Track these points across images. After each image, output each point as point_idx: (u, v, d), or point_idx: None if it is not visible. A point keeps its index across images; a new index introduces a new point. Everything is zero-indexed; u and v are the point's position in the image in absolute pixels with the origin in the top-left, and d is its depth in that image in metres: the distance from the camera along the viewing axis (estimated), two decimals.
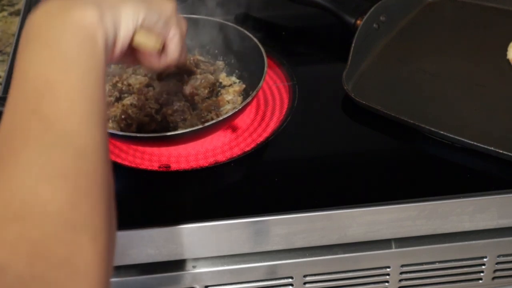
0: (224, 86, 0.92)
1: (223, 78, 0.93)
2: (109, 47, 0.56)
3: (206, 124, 0.79)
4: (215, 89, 0.91)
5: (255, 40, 0.90)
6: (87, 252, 0.44)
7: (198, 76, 0.91)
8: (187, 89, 0.88)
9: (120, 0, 0.58)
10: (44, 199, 0.44)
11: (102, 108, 0.51)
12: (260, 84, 0.83)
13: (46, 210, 0.43)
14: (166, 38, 0.65)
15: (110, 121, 0.85)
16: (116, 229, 0.50)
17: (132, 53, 0.64)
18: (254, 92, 0.82)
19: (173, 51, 0.66)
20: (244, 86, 0.91)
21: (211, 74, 0.92)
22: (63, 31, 0.52)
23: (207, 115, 0.86)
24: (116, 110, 0.86)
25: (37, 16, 0.54)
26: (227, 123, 0.84)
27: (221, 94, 0.91)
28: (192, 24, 0.97)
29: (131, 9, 0.59)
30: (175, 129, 0.83)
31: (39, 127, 0.47)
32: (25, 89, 0.49)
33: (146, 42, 0.63)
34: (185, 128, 0.82)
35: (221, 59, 0.96)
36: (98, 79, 0.51)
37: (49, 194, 0.44)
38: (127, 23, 0.58)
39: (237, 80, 0.93)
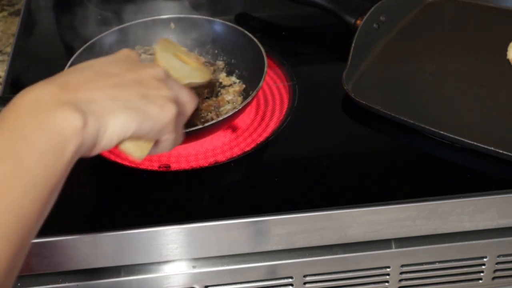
0: (224, 86, 0.92)
1: (223, 78, 0.93)
2: (83, 151, 0.52)
3: (206, 124, 0.79)
4: (215, 89, 0.91)
5: (255, 40, 0.90)
6: None
7: None
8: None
9: (112, 109, 0.53)
10: None
11: (27, 232, 0.47)
12: (260, 84, 0.83)
13: None
14: (159, 140, 0.61)
15: None
16: None
17: None
18: (254, 92, 0.82)
19: (164, 149, 0.63)
20: (244, 86, 0.91)
21: (211, 74, 0.92)
22: (36, 134, 0.49)
23: (207, 115, 0.86)
24: None
25: (25, 101, 0.50)
26: (227, 123, 0.84)
27: (221, 94, 0.91)
28: (192, 24, 0.97)
29: (121, 121, 0.54)
30: None
31: None
32: None
33: (132, 152, 0.59)
34: (185, 128, 0.82)
35: (221, 59, 0.96)
36: (45, 190, 0.48)
37: None
38: (111, 136, 0.54)
39: (237, 80, 0.93)
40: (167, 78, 0.61)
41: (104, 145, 0.54)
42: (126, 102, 0.55)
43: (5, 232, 0.46)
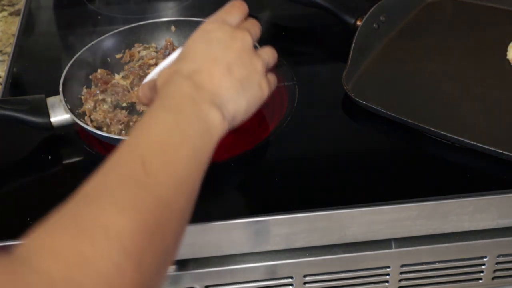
0: None
1: None
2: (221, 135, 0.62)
3: None
4: None
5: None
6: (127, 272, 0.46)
7: None
8: None
9: (240, 104, 0.64)
10: (116, 226, 0.47)
11: (194, 186, 0.56)
12: None
13: (111, 236, 0.46)
14: None
15: (111, 124, 0.85)
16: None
17: None
18: None
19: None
20: None
21: None
22: (192, 117, 0.59)
23: None
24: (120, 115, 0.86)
25: (172, 92, 0.60)
26: None
27: None
28: (193, 26, 0.97)
29: (244, 111, 0.65)
30: None
31: (139, 177, 0.51)
32: (144, 140, 0.55)
33: None
34: None
35: None
36: (201, 164, 0.57)
37: (121, 224, 0.47)
38: (238, 122, 0.65)
39: None
40: (255, 52, 0.69)
41: (232, 126, 0.65)
42: (248, 95, 0.65)
43: (180, 181, 0.54)
